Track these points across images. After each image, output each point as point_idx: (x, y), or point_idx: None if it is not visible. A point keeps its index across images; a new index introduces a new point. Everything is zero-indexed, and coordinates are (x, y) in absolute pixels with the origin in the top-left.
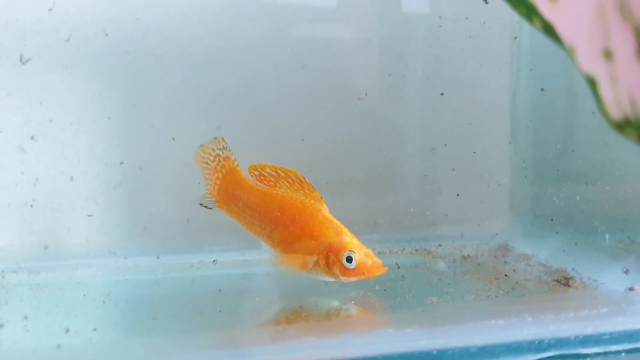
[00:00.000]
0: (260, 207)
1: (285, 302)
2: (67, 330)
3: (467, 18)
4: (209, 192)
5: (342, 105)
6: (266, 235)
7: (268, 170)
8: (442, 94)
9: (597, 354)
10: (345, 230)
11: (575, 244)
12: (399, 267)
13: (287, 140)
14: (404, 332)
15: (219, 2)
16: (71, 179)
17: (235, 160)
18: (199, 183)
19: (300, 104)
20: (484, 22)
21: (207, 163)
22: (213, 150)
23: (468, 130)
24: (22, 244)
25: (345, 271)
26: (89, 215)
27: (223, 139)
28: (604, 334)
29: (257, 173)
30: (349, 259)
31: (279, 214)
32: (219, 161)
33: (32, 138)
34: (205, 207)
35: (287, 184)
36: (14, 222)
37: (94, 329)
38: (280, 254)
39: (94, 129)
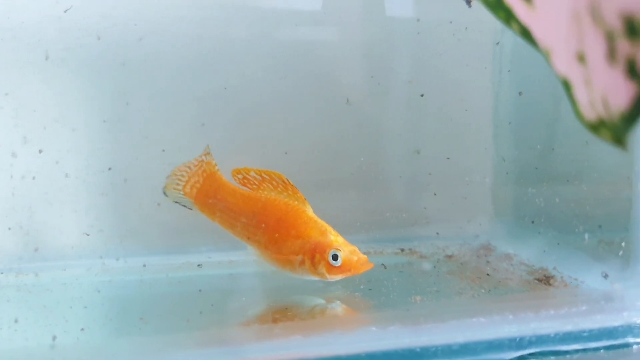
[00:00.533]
0: (243, 210)
1: (271, 302)
2: (54, 336)
3: (450, 22)
4: (182, 191)
5: (326, 107)
6: (251, 237)
7: (252, 173)
8: (422, 95)
9: (577, 351)
10: (329, 229)
11: (557, 243)
12: (385, 268)
13: (272, 142)
14: (387, 330)
15: (206, 6)
16: (61, 180)
17: (216, 165)
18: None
19: (286, 105)
20: (466, 28)
21: (189, 167)
22: (200, 156)
23: (451, 132)
24: (10, 245)
25: (331, 269)
26: (76, 217)
27: (207, 147)
28: (584, 331)
29: (240, 177)
30: (335, 257)
31: (263, 216)
32: (201, 165)
33: (24, 141)
34: (183, 205)
35: (270, 186)
36: (1, 223)
37: (82, 329)
38: (266, 254)
39: (83, 133)
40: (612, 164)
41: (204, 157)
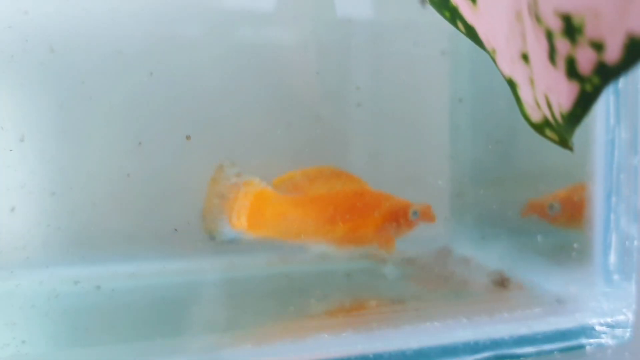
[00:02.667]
0: (311, 214)
1: (222, 310)
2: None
3: (406, 26)
4: (231, 225)
5: (279, 105)
6: (326, 235)
7: (298, 177)
8: (369, 99)
9: (531, 354)
10: (392, 195)
11: (514, 246)
12: (348, 276)
13: (224, 141)
14: (340, 336)
15: (159, 4)
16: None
17: (261, 181)
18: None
19: (238, 104)
20: (423, 28)
21: (222, 196)
22: (228, 179)
23: (408, 135)
24: None
25: (411, 224)
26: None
27: (233, 164)
28: (538, 334)
29: (287, 185)
30: (415, 213)
31: (335, 210)
32: (239, 189)
33: None
34: (234, 241)
35: (323, 181)
36: None
37: (23, 341)
38: (346, 243)
39: (34, 138)
40: (567, 167)
41: (236, 180)
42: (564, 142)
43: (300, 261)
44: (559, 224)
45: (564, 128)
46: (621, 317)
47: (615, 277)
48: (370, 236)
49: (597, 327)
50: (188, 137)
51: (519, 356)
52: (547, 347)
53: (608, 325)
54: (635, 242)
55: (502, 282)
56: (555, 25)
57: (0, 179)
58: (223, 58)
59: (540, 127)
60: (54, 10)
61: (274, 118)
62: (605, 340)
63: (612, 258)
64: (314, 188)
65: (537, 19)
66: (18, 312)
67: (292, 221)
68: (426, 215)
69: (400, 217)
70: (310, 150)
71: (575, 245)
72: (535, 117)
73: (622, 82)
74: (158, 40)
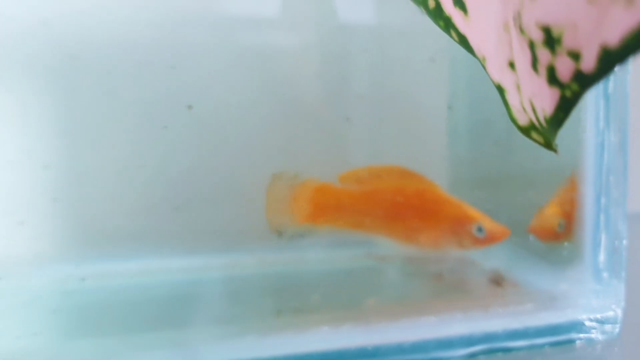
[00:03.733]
0: (372, 207)
1: (226, 306)
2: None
3: (405, 30)
4: (294, 221)
5: (283, 109)
6: (384, 229)
7: (364, 173)
8: (372, 101)
9: (524, 347)
10: (464, 204)
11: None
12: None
13: (231, 143)
14: (339, 329)
15: (164, 9)
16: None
17: (313, 178)
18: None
19: (243, 108)
20: (422, 33)
21: (284, 196)
22: (285, 183)
23: (406, 138)
24: None
25: (477, 241)
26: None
27: (282, 175)
28: (530, 328)
29: (352, 180)
30: (479, 230)
31: (396, 205)
32: (299, 187)
33: None
34: (298, 236)
35: (392, 179)
36: None
37: (35, 334)
38: (404, 242)
39: (32, 136)
40: (557, 168)
41: (292, 181)
42: (549, 144)
43: (302, 260)
44: (563, 238)
45: (547, 131)
46: (610, 314)
47: (605, 275)
48: (426, 238)
49: (587, 323)
50: (190, 107)
51: (511, 349)
52: (538, 341)
53: (597, 321)
54: (624, 242)
55: (497, 281)
56: (537, 36)
57: (11, 175)
58: (229, 61)
59: (526, 130)
60: (73, 20)
61: (275, 119)
62: (595, 335)
63: (602, 257)
64: (379, 184)
65: (521, 30)
66: (28, 307)
67: (351, 213)
68: (496, 235)
69: (459, 228)
70: (316, 149)
71: (565, 244)
72: (522, 120)
73: (611, 87)
74: (170, 44)
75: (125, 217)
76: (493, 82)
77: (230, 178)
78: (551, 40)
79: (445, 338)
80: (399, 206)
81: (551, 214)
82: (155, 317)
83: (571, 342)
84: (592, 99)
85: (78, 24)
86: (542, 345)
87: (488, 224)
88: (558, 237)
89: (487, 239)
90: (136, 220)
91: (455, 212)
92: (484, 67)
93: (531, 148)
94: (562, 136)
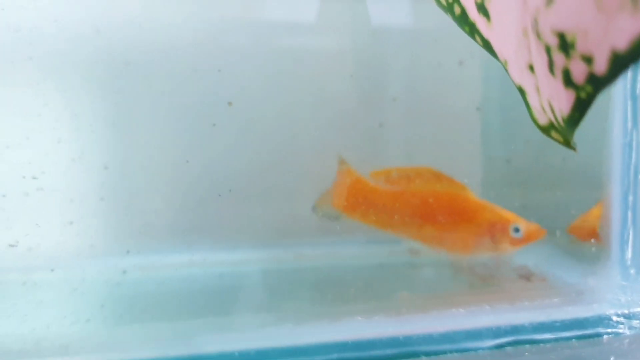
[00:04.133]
0: (403, 207)
1: (266, 296)
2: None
3: (437, 34)
4: (332, 204)
5: (319, 108)
6: (414, 231)
7: (395, 173)
8: (393, 99)
9: (550, 340)
10: (497, 207)
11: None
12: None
13: (271, 140)
14: (372, 320)
15: (208, 16)
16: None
17: (356, 171)
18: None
19: (283, 110)
20: (452, 37)
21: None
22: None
23: (441, 138)
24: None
25: (514, 241)
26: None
27: (340, 157)
28: (556, 322)
29: (383, 178)
30: (516, 230)
31: (428, 208)
32: (342, 175)
33: (27, 138)
34: (332, 218)
35: (422, 181)
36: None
37: (87, 320)
38: (435, 244)
39: (80, 136)
40: (587, 168)
41: (342, 167)
42: (567, 143)
43: (338, 255)
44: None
45: (565, 130)
46: (638, 309)
47: (632, 271)
48: (459, 242)
49: (614, 318)
50: (230, 104)
51: (538, 342)
52: (565, 334)
53: (625, 317)
54: None
55: (526, 276)
56: (552, 41)
57: (64, 176)
58: (269, 63)
59: (546, 129)
60: (126, 28)
61: (310, 118)
62: (623, 330)
63: (629, 253)
64: (410, 184)
65: (538, 35)
66: (81, 296)
67: (383, 211)
68: (533, 235)
69: (496, 230)
70: (353, 149)
71: (593, 241)
72: (542, 120)
73: (639, 88)
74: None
75: (173, 212)
76: (515, 84)
77: (270, 175)
78: (565, 45)
79: (473, 329)
80: (432, 209)
81: (594, 217)
82: (199, 306)
83: (598, 336)
84: (620, 99)
85: (131, 32)
86: (569, 339)
87: (524, 224)
88: (597, 239)
89: (523, 239)
90: (182, 214)
91: (491, 215)
92: (506, 70)
93: (561, 147)
94: (590, 136)
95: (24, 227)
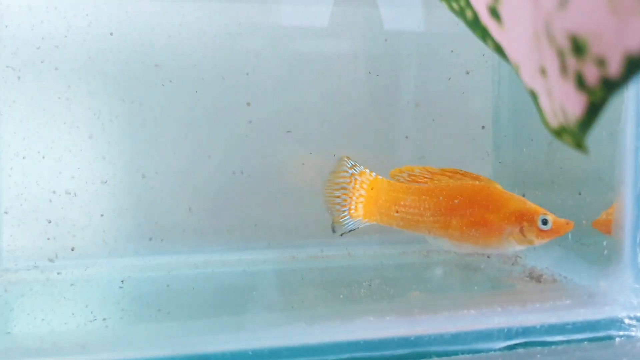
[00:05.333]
0: (427, 204)
1: (282, 295)
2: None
3: (448, 35)
4: (348, 215)
5: (331, 111)
6: (441, 227)
7: (417, 171)
8: (416, 105)
9: (561, 342)
10: (525, 199)
11: (550, 245)
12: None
13: (285, 141)
14: (384, 320)
15: (224, 21)
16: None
17: (372, 172)
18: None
19: (296, 112)
20: (466, 37)
21: (344, 188)
22: (346, 172)
23: (453, 139)
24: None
25: (541, 233)
26: (101, 216)
27: (348, 158)
28: (567, 324)
29: (405, 175)
30: (545, 222)
31: (455, 202)
32: (356, 179)
33: (51, 146)
34: (353, 229)
35: (446, 177)
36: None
37: (104, 319)
38: (463, 239)
39: (105, 139)
40: (598, 170)
41: (353, 171)
42: (579, 146)
43: (353, 256)
44: None
45: (577, 134)
46: None
47: None
48: (487, 235)
49: (627, 321)
50: (248, 104)
51: (549, 344)
52: (576, 336)
53: (637, 319)
54: None
55: (537, 278)
56: (565, 44)
57: (86, 176)
58: (283, 66)
59: (558, 133)
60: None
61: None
62: (635, 333)
63: None
64: (435, 182)
65: (550, 38)
66: (100, 295)
67: (407, 209)
68: (561, 227)
69: (525, 221)
70: (364, 150)
71: (605, 243)
72: (554, 123)
73: None
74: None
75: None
76: (526, 88)
77: (285, 176)
78: (578, 48)
79: (484, 330)
80: (460, 203)
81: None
82: (214, 305)
83: (610, 338)
84: (633, 102)
85: (163, 37)
86: (581, 341)
87: (552, 216)
88: None
89: (552, 231)
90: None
91: (520, 206)
92: (517, 74)
93: (572, 151)
94: (603, 138)
95: (44, 228)
